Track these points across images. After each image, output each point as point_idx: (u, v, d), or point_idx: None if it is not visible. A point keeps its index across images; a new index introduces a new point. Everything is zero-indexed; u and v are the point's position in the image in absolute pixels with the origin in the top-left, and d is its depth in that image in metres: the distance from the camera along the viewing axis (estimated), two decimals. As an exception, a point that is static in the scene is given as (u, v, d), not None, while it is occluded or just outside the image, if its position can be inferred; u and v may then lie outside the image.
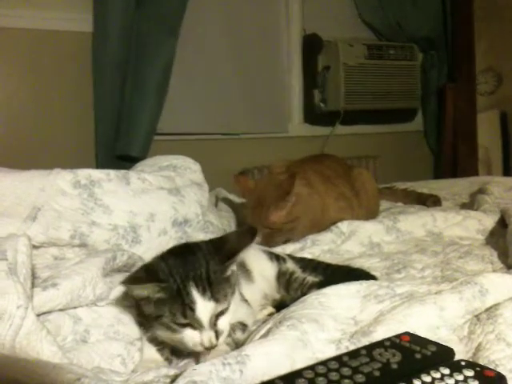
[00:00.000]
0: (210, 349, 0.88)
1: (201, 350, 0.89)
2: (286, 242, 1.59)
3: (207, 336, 0.87)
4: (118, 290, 1.08)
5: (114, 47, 2.38)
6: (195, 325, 0.87)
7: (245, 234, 0.98)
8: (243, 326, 0.99)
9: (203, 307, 0.87)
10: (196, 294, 0.87)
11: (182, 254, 0.94)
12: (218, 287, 0.89)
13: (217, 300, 0.88)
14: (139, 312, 1.02)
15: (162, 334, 0.92)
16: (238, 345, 0.94)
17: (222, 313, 0.90)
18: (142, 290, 0.89)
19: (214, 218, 1.61)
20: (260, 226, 1.57)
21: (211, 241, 0.99)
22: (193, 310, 0.86)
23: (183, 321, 0.87)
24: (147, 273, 0.91)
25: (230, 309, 0.92)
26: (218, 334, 0.89)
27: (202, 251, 0.93)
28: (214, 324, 0.88)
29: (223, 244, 0.96)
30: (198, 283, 0.87)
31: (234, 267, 0.95)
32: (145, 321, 0.99)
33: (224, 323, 0.90)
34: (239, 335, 0.97)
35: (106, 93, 2.43)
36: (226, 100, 2.86)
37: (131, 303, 1.06)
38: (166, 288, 0.88)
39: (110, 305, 1.05)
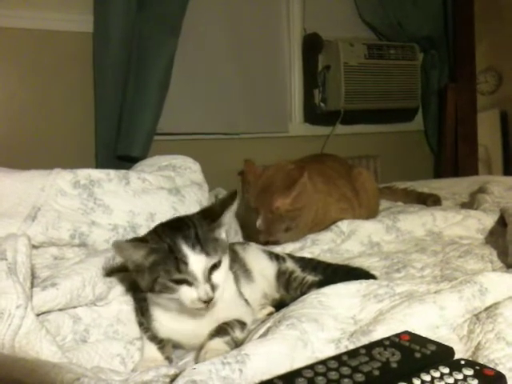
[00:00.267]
0: (208, 302, 0.90)
1: (200, 306, 0.90)
2: (286, 230, 1.60)
3: (203, 289, 0.89)
4: (118, 289, 1.09)
5: (115, 48, 2.38)
6: (190, 279, 0.89)
7: (227, 198, 1.02)
8: (242, 325, 0.99)
9: (195, 260, 0.89)
10: (187, 249, 0.90)
11: (171, 222, 0.99)
12: (207, 242, 0.92)
13: (207, 253, 0.91)
14: (139, 311, 1.02)
15: (161, 300, 0.94)
16: (237, 344, 0.94)
17: (215, 267, 0.92)
18: (136, 251, 0.91)
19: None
20: (263, 210, 1.57)
21: (198, 211, 1.04)
22: (186, 263, 0.89)
23: (178, 276, 0.89)
24: (139, 240, 0.95)
25: (223, 264, 0.95)
26: (213, 288, 0.91)
27: (189, 219, 0.97)
28: (208, 278, 0.91)
29: (208, 211, 1.00)
30: (187, 240, 0.91)
31: (223, 234, 0.99)
32: (144, 320, 0.99)
33: (218, 277, 0.93)
34: (238, 334, 0.97)
35: (107, 93, 2.43)
36: (226, 100, 2.86)
37: (131, 302, 1.06)
38: (158, 249, 0.91)
39: (110, 304, 1.05)
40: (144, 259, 0.91)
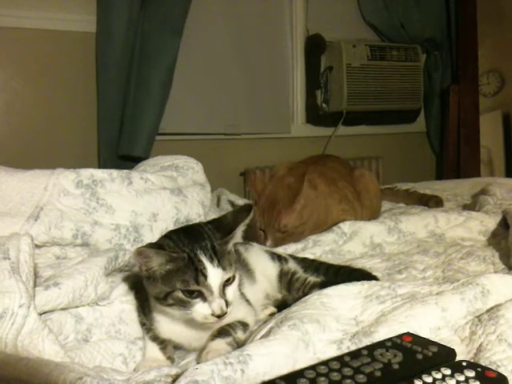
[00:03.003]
0: (220, 317, 0.89)
1: (212, 321, 0.90)
2: (294, 241, 1.59)
3: (218, 304, 0.89)
4: (120, 289, 1.09)
5: (118, 47, 2.39)
6: (206, 293, 0.88)
7: (241, 211, 1.00)
8: (244, 326, 0.99)
9: (213, 273, 0.89)
10: (206, 261, 0.89)
11: (185, 231, 0.98)
12: (222, 256, 0.91)
13: (223, 267, 0.90)
14: (141, 311, 1.02)
15: (171, 311, 0.92)
16: (239, 344, 0.94)
17: (228, 282, 0.92)
18: (156, 257, 0.89)
19: (216, 218, 1.61)
20: (271, 229, 1.57)
21: (210, 221, 1.02)
22: (205, 275, 0.88)
23: (195, 287, 0.88)
24: (156, 246, 0.92)
25: (236, 279, 0.94)
26: (227, 303, 0.90)
27: (202, 228, 0.96)
28: (223, 293, 0.90)
29: (221, 222, 0.99)
30: (205, 252, 0.90)
31: (231, 246, 0.97)
32: (147, 320, 0.99)
33: (231, 292, 0.92)
34: (240, 335, 0.97)
35: (110, 93, 2.43)
36: (229, 100, 2.86)
37: (133, 302, 1.07)
38: (177, 258, 0.89)
39: (112, 304, 1.06)
40: (160, 267, 0.90)
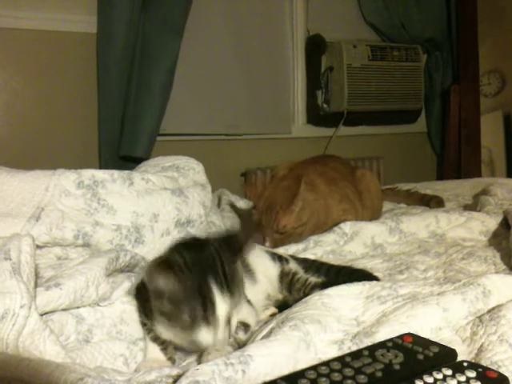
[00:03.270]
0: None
1: (210, 346, 0.89)
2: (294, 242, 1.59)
3: (222, 334, 0.87)
4: (121, 289, 1.09)
5: (119, 48, 2.39)
6: (212, 322, 0.87)
7: (250, 229, 0.99)
8: (246, 327, 0.99)
9: (222, 305, 0.87)
10: (216, 292, 0.86)
11: (196, 247, 0.94)
12: (233, 282, 0.89)
13: (232, 294, 0.88)
14: (142, 312, 1.02)
15: (171, 331, 0.91)
16: (240, 345, 0.94)
17: (234, 310, 0.90)
18: (165, 279, 0.87)
19: (217, 219, 1.62)
20: (271, 231, 1.57)
21: (217, 238, 0.98)
22: (214, 308, 0.86)
23: (202, 315, 0.86)
24: (166, 265, 0.89)
25: (240, 305, 0.92)
26: (230, 331, 0.90)
27: (213, 246, 0.93)
28: (228, 321, 0.88)
29: (230, 239, 0.96)
30: (217, 279, 0.87)
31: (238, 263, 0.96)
32: (148, 321, 0.99)
33: (235, 320, 0.91)
34: (241, 335, 0.97)
35: (111, 93, 2.43)
36: (230, 101, 2.86)
37: (134, 302, 1.06)
38: (186, 282, 0.86)
39: (113, 304, 1.06)
40: (168, 287, 0.88)
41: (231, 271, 0.90)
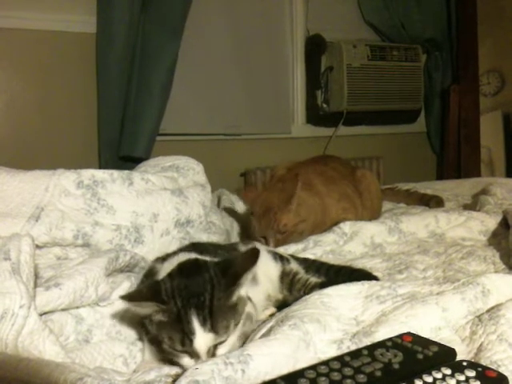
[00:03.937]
0: None
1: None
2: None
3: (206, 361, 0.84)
4: (121, 290, 1.09)
5: (118, 49, 2.39)
6: (191, 353, 0.85)
7: (249, 256, 0.95)
8: (251, 319, 1.00)
9: (202, 338, 0.84)
10: (196, 324, 0.83)
11: (189, 273, 0.91)
12: (219, 318, 0.85)
13: (217, 332, 0.85)
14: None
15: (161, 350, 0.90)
16: (245, 336, 0.95)
17: (221, 343, 0.87)
18: (141, 308, 0.88)
19: (217, 219, 1.62)
20: (271, 231, 1.57)
21: (218, 263, 0.96)
22: (191, 340, 0.83)
23: (181, 349, 0.85)
24: (150, 290, 0.89)
25: (230, 340, 0.88)
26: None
27: (209, 273, 0.90)
28: (212, 353, 0.85)
29: (229, 267, 0.92)
30: (199, 312, 0.84)
31: (241, 292, 0.92)
32: (146, 321, 0.99)
33: (223, 351, 0.86)
34: (248, 327, 0.97)
35: (110, 94, 2.43)
36: (229, 101, 2.86)
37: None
38: (166, 310, 0.85)
39: (113, 305, 1.06)
40: (152, 314, 0.87)
41: (220, 305, 0.86)
